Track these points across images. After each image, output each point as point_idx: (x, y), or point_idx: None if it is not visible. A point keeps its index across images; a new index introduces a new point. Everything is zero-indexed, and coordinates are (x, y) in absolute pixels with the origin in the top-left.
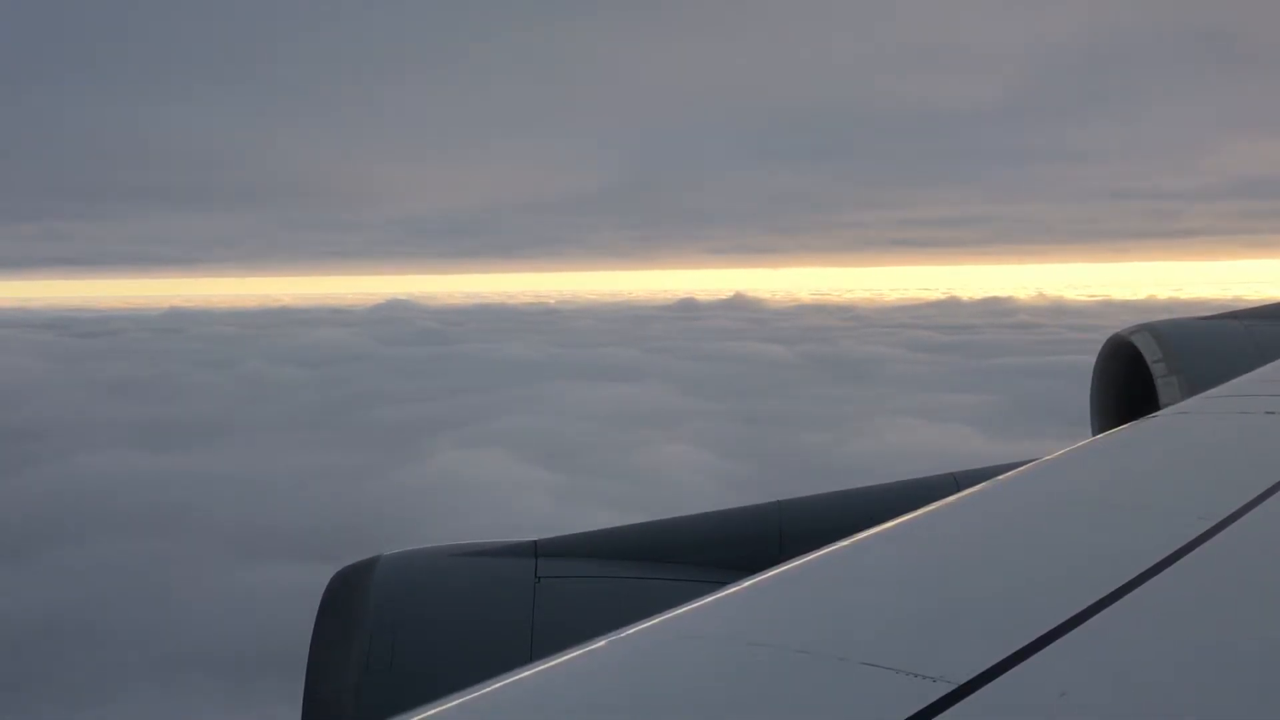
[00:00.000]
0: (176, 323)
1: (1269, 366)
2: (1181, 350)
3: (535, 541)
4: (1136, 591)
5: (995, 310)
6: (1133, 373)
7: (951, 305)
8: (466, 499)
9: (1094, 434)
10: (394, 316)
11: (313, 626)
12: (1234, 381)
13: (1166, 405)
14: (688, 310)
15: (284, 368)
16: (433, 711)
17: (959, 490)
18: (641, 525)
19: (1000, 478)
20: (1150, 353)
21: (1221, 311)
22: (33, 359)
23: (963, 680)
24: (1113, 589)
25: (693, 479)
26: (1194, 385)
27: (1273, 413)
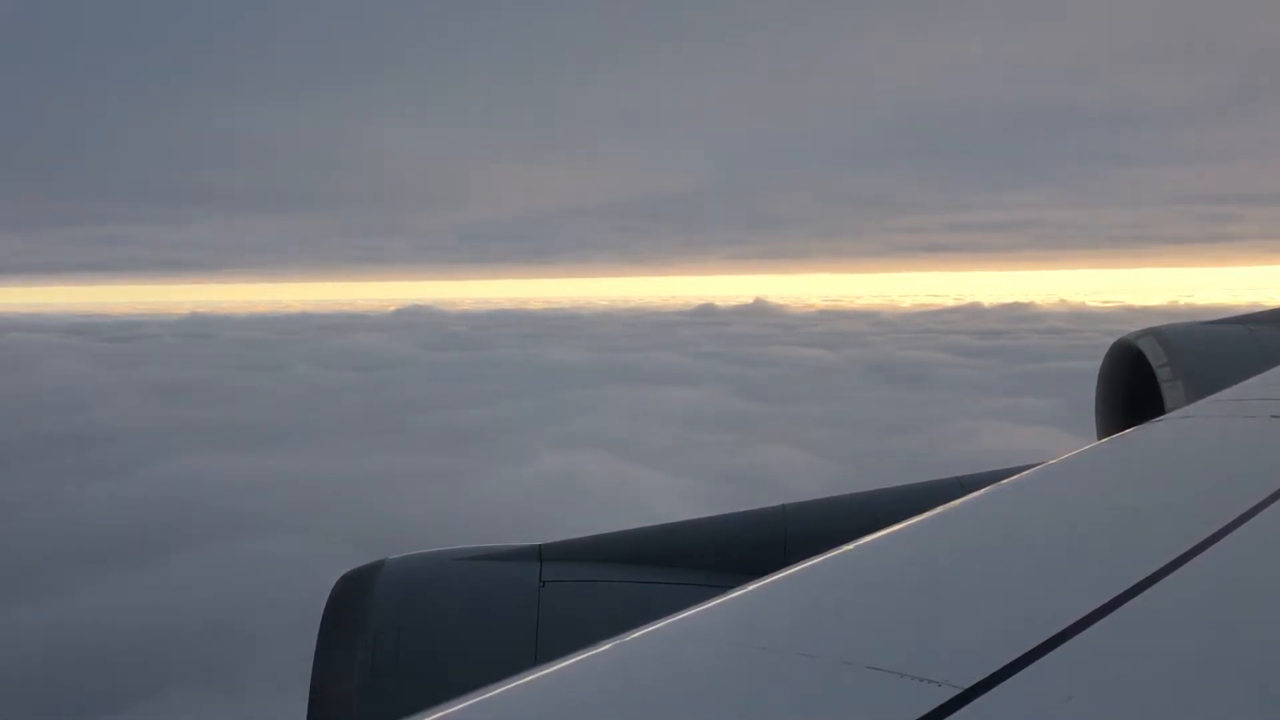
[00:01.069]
0: (201, 327)
1: (1274, 370)
2: (1187, 355)
3: (539, 545)
4: (1142, 596)
5: (1019, 316)
6: (1138, 377)
7: (974, 311)
8: (590, 500)
9: (1099, 438)
10: (417, 322)
11: (318, 630)
12: (1239, 386)
13: (1172, 409)
14: (708, 315)
15: (332, 372)
16: (437, 715)
17: (964, 494)
18: (646, 529)
19: (1005, 481)
20: (1155, 357)
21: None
22: (75, 363)
23: (968, 684)
24: (1118, 593)
25: (801, 480)
26: (1199, 390)
27: (1278, 416)
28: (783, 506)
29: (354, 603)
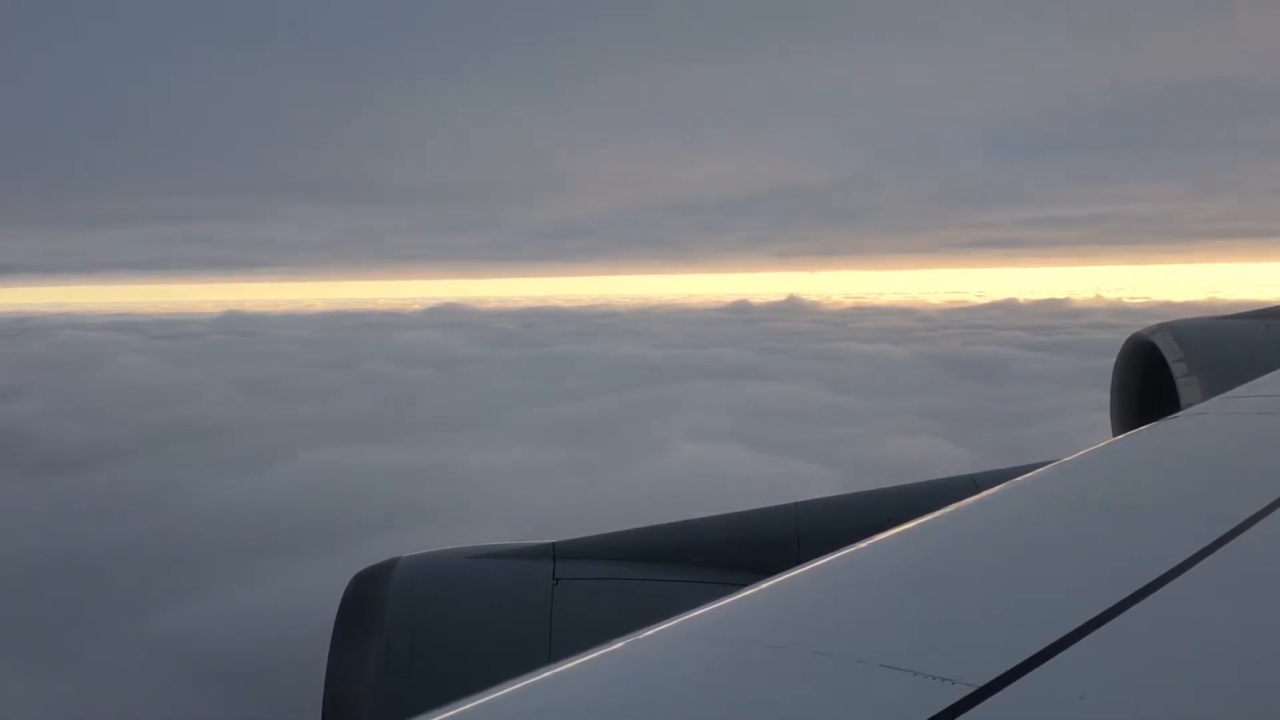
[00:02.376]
0: (240, 325)
1: None
2: (1202, 350)
3: (553, 544)
4: (1156, 594)
5: (1060, 312)
6: (1153, 373)
7: (1013, 307)
8: (746, 490)
9: (1114, 435)
10: (456, 320)
11: (332, 627)
12: (1255, 382)
13: (1187, 406)
14: (743, 312)
15: (409, 369)
16: (451, 713)
17: (978, 491)
18: (659, 527)
19: (1019, 479)
20: (1171, 353)
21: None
22: (148, 360)
23: (982, 683)
24: (1132, 591)
25: (957, 468)
26: (1215, 386)
27: None
28: (796, 504)
29: (368, 601)
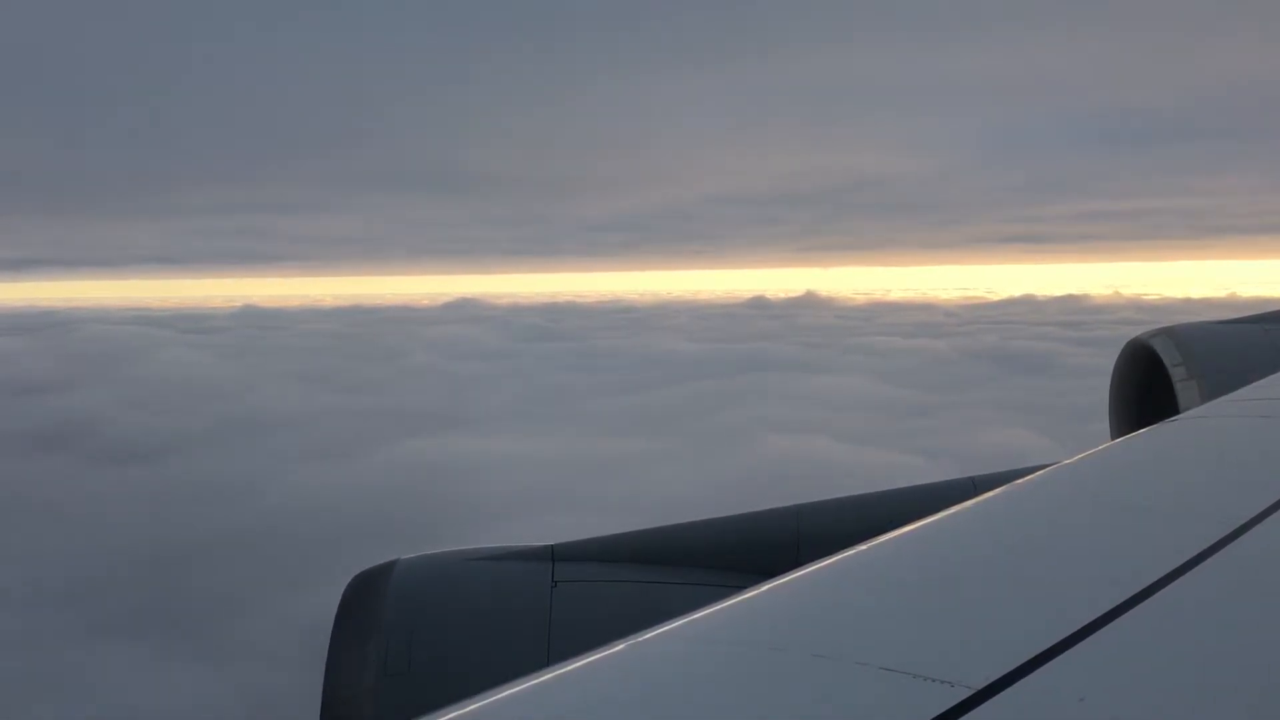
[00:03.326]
0: (261, 320)
1: None
2: (1201, 354)
3: (552, 546)
4: (1155, 597)
5: (1081, 309)
6: (1152, 376)
7: (1032, 303)
8: (852, 479)
9: (1112, 438)
10: (477, 315)
11: (331, 630)
12: (1253, 385)
13: (1186, 409)
14: (762, 307)
15: (459, 361)
16: (449, 716)
17: (976, 494)
18: (659, 529)
19: (1018, 482)
20: (1170, 356)
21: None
22: (185, 353)
23: (981, 685)
24: (1131, 594)
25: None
26: (1213, 389)
27: None
28: (797, 506)
29: (367, 602)
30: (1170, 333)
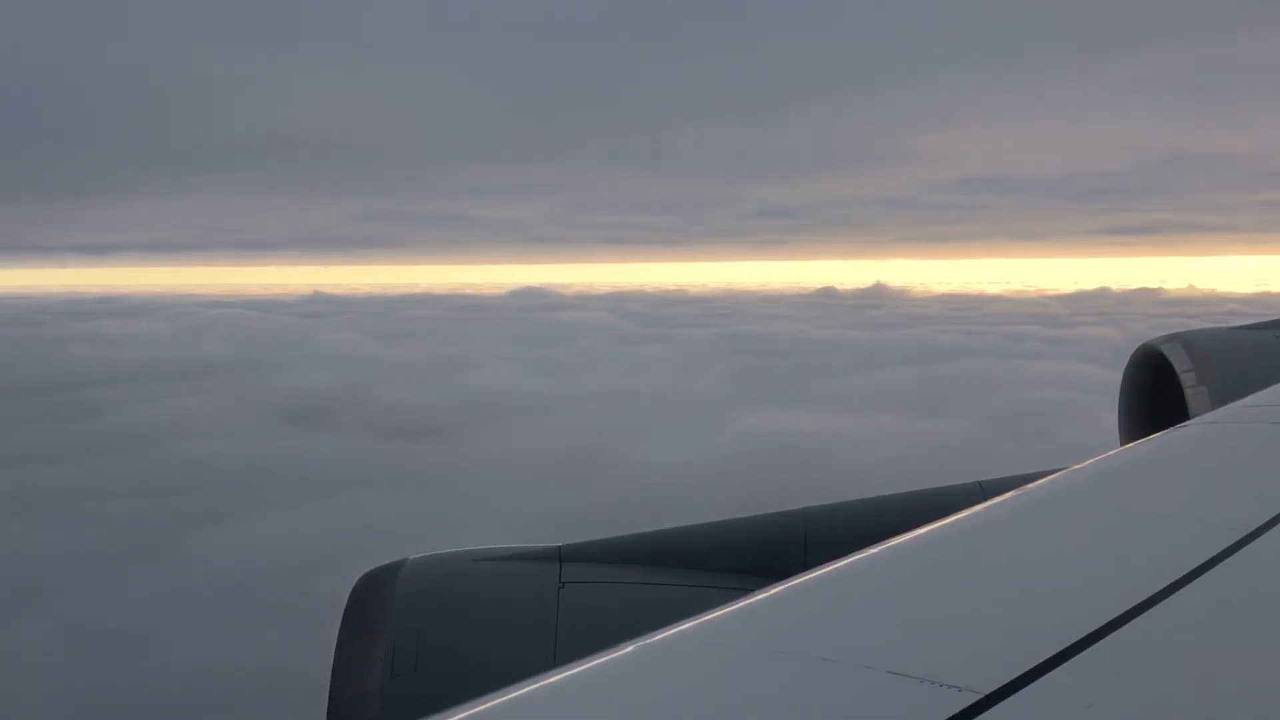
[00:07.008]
0: (339, 306)
1: None
2: (1212, 360)
3: (559, 546)
4: (1164, 603)
5: (1158, 301)
6: (1162, 383)
7: (1104, 296)
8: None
9: (1122, 444)
10: (551, 304)
11: (338, 629)
12: (1264, 392)
13: (1196, 416)
14: (830, 297)
15: (622, 346)
16: (456, 717)
17: (985, 499)
18: (666, 531)
19: (1027, 487)
20: (1180, 363)
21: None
22: (348, 334)
23: (988, 690)
24: (1140, 600)
25: None
26: (1224, 396)
27: None
28: (804, 509)
29: (374, 602)
30: (1181, 339)
